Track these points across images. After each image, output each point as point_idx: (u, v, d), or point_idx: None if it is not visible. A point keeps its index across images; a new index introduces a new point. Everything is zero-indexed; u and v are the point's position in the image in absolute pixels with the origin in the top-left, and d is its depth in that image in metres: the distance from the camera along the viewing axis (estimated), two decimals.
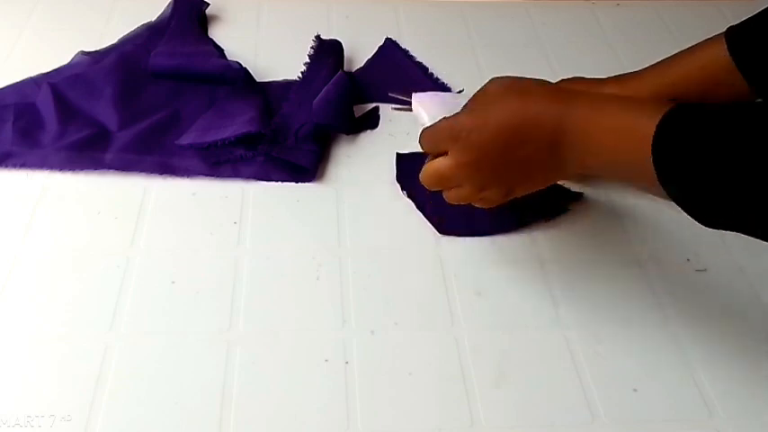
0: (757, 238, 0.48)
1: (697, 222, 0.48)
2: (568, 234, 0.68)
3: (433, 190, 0.61)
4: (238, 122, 0.75)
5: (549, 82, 0.60)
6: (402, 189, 0.71)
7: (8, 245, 0.64)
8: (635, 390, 0.56)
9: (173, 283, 0.62)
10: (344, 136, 0.77)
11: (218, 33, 0.89)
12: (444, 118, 0.60)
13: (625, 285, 0.64)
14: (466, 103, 0.60)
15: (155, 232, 0.66)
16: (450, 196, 0.60)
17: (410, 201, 0.70)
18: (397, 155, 0.74)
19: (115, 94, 0.77)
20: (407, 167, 0.73)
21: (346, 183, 0.72)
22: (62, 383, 0.54)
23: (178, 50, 0.85)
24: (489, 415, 0.54)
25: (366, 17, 0.95)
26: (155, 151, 0.73)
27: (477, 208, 0.62)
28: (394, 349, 0.58)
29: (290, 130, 0.75)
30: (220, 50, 0.87)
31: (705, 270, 0.66)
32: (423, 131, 0.62)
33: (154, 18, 0.89)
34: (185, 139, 0.74)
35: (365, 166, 0.74)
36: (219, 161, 0.72)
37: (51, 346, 0.57)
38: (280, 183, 0.71)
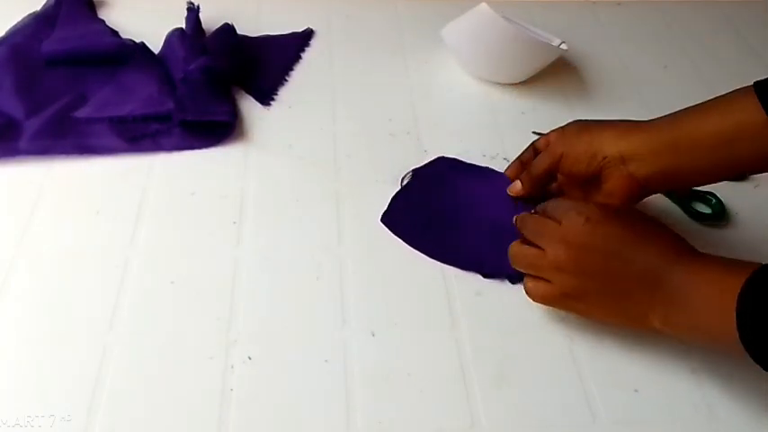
0: None
1: None
2: None
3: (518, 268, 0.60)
4: (139, 99, 0.75)
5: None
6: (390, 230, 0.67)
7: (7, 245, 0.64)
8: (636, 390, 0.56)
9: (172, 283, 0.62)
10: (343, 136, 0.77)
11: None
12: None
13: None
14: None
15: (154, 232, 0.66)
16: (531, 287, 0.59)
17: None
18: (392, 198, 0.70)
19: (14, 84, 0.76)
20: (398, 211, 0.69)
21: (346, 183, 0.72)
22: (62, 383, 0.54)
23: (70, 35, 0.84)
24: (489, 415, 0.54)
25: (366, 17, 0.95)
26: (69, 134, 0.72)
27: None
28: (394, 350, 0.58)
29: (196, 93, 0.75)
30: (114, 31, 0.86)
31: None
32: (524, 218, 0.61)
33: (38, 8, 0.88)
34: (82, 113, 0.74)
35: (365, 166, 0.74)
36: (137, 136, 0.72)
37: (51, 346, 0.57)
38: (278, 182, 0.71)
